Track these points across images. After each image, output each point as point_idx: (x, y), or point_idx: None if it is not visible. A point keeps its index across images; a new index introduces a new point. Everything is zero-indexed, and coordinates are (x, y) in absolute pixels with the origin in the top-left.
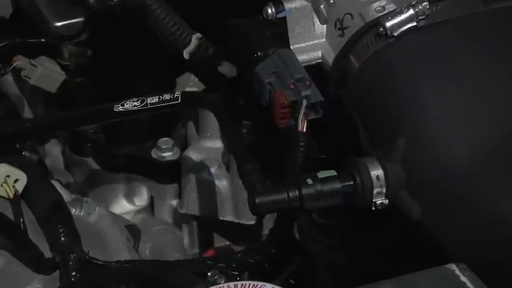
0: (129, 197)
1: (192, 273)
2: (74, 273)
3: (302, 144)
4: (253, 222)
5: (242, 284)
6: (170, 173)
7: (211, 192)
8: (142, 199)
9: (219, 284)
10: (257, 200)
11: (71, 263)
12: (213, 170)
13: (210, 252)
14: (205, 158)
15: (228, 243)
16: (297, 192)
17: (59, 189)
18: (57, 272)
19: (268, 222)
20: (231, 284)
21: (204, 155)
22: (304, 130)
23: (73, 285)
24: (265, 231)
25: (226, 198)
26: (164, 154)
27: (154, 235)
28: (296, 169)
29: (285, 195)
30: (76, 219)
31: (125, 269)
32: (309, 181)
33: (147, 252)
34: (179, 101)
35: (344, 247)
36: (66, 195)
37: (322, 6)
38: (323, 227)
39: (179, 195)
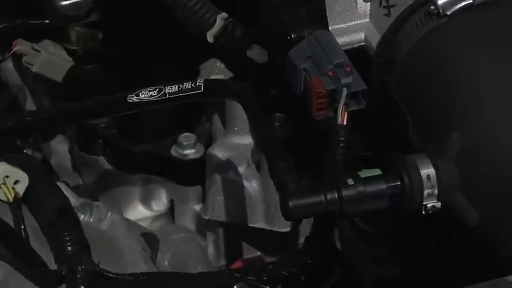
0: (146, 201)
1: (217, 287)
2: (83, 287)
3: (342, 139)
4: (287, 229)
5: None
6: (193, 174)
7: (240, 195)
8: (161, 203)
9: None
10: (290, 203)
11: (78, 275)
12: (241, 169)
13: (237, 264)
14: (232, 156)
15: (258, 253)
16: (336, 194)
17: (65, 192)
18: (63, 286)
19: (305, 228)
20: None
21: (231, 152)
22: (345, 123)
23: None
24: (301, 239)
25: (257, 202)
26: (186, 152)
27: (175, 244)
28: (335, 167)
29: (322, 197)
30: (85, 226)
31: (141, 282)
32: (350, 181)
33: (166, 263)
34: (202, 90)
35: (391, 258)
36: (74, 199)
37: None
38: (367, 235)
39: (203, 199)
